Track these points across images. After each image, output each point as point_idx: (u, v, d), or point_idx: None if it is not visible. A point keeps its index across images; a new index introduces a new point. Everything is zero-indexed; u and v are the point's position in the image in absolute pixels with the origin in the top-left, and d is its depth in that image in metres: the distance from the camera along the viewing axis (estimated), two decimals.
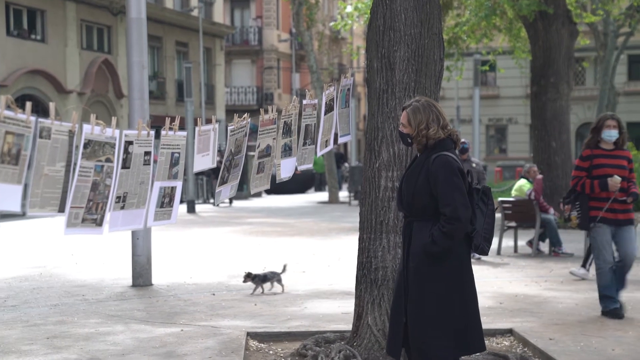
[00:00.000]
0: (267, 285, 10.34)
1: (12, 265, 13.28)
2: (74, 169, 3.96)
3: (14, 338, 7.84)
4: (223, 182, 5.50)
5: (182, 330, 8.15)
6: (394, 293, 5.40)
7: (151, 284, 11.05)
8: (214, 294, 10.31)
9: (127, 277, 11.36)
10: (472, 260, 5.41)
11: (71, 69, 32.56)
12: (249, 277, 10.23)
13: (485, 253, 5.28)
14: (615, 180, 8.57)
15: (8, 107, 3.42)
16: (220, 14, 45.83)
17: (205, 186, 32.38)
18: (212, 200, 32.35)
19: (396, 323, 5.29)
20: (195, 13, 40.42)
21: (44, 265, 13.18)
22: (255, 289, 10.26)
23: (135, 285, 10.99)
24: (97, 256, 14.25)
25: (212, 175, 30.63)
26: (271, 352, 7.41)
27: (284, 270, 10.51)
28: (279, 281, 10.33)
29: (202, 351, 7.23)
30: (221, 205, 29.73)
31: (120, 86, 34.42)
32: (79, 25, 33.39)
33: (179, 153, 4.86)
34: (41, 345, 7.54)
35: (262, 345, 7.67)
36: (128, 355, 7.14)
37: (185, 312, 9.13)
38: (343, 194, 35.02)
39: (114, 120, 4.29)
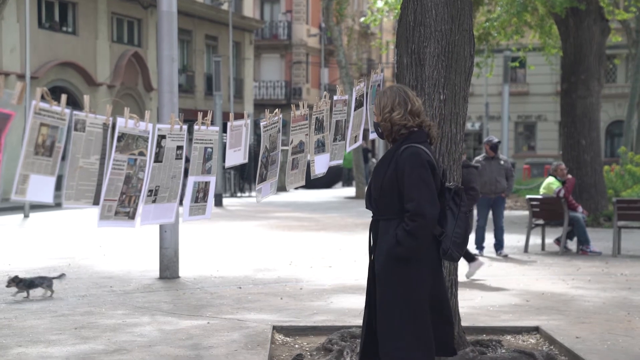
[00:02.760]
0: (39, 290, 9.71)
1: (41, 255, 13.40)
2: (108, 162, 3.98)
3: (43, 328, 7.92)
4: (262, 180, 5.49)
5: (208, 322, 8.19)
6: (365, 298, 5.03)
7: (178, 277, 11.11)
8: (240, 288, 10.35)
9: (154, 270, 11.43)
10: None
11: (101, 62, 32.77)
12: (13, 281, 9.56)
13: (455, 259, 4.82)
14: None
15: (43, 99, 3.44)
16: (250, 8, 45.92)
17: (232, 180, 32.47)
18: (239, 194, 32.44)
19: (365, 331, 4.97)
20: (225, 7, 40.51)
21: (73, 256, 13.29)
22: (17, 293, 9.59)
23: (162, 277, 11.06)
24: (125, 248, 14.34)
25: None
26: (297, 346, 7.43)
27: (59, 277, 9.94)
28: (49, 286, 9.69)
29: (228, 344, 7.26)
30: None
31: (150, 79, 34.60)
32: (110, 18, 33.60)
33: (211, 148, 4.87)
34: (69, 335, 7.61)
35: (288, 339, 7.69)
36: (154, 346, 7.18)
37: (211, 305, 9.17)
38: None
39: (147, 114, 4.30)
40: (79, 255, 13.36)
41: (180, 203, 4.83)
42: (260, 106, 46.29)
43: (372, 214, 4.90)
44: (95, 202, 3.91)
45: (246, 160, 5.40)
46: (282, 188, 8.39)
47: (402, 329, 4.72)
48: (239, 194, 32.46)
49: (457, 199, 4.79)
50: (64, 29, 31.57)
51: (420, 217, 4.57)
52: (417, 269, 4.72)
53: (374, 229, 4.87)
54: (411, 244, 4.61)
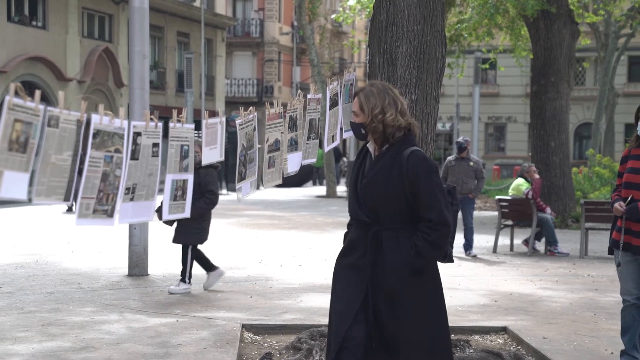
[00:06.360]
0: None
1: (8, 251, 13.28)
2: (82, 159, 3.94)
3: (9, 325, 7.85)
4: (242, 178, 5.47)
5: (177, 320, 8.16)
6: (343, 310, 4.71)
7: (147, 274, 11.06)
8: None
9: (123, 267, 11.37)
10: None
11: (71, 57, 32.51)
12: None
13: (452, 261, 4.68)
14: (619, 208, 6.25)
15: (17, 95, 3.40)
16: (222, 5, 45.78)
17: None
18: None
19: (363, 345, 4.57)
20: (197, 4, 40.37)
21: (40, 252, 13.19)
22: None
23: (131, 274, 11.01)
24: (94, 245, 14.25)
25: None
26: (266, 344, 7.42)
27: None
28: None
29: (196, 342, 7.24)
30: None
31: (121, 75, 34.38)
32: (81, 13, 33.34)
33: (188, 145, 4.84)
34: (36, 332, 7.55)
35: (257, 337, 7.68)
36: (122, 344, 7.15)
37: (180, 303, 9.14)
38: (341, 189, 35.03)
39: (121, 110, 4.27)
40: (47, 252, 13.25)
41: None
42: (232, 104, 46.18)
43: (357, 222, 4.61)
44: (66, 199, 3.88)
45: (222, 158, 5.38)
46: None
47: (427, 343, 4.50)
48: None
49: (450, 199, 4.66)
50: (34, 23, 31.27)
51: (444, 226, 4.39)
52: (431, 276, 4.55)
53: (373, 239, 4.51)
54: (435, 254, 4.45)
